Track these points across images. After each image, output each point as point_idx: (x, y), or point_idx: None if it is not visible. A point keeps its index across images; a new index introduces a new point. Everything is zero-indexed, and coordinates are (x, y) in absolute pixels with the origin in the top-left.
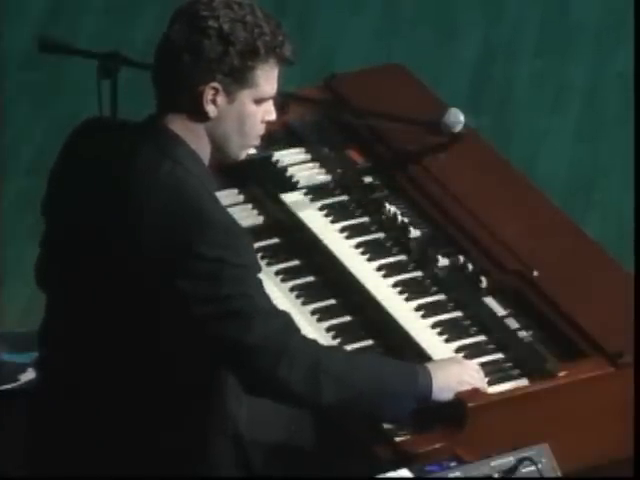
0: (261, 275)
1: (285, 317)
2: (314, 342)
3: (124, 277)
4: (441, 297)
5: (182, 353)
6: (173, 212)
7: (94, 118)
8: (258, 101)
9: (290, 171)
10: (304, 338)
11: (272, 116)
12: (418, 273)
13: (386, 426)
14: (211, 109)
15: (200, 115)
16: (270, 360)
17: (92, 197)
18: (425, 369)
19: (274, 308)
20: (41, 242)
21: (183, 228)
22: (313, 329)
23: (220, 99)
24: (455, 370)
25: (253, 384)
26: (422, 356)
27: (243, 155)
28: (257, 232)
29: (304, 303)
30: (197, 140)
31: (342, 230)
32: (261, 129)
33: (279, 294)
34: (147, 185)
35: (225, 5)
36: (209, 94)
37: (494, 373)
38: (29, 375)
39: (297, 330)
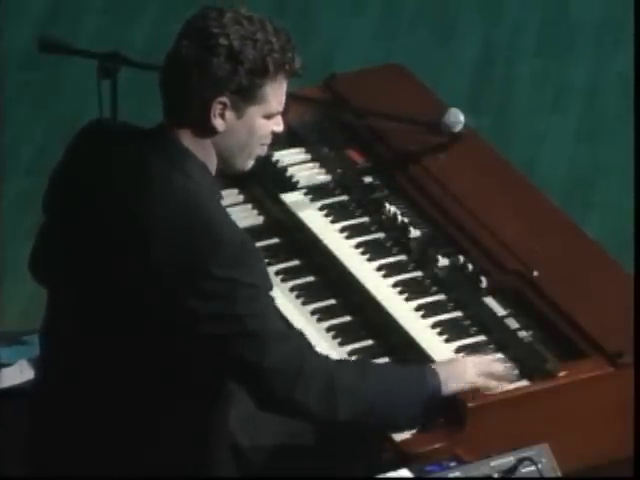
0: None
1: (298, 337)
2: (326, 359)
3: (130, 286)
4: (441, 297)
5: (184, 362)
6: (184, 229)
7: (99, 120)
8: (267, 116)
9: (290, 171)
10: (317, 357)
11: (280, 128)
12: (418, 273)
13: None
14: (219, 123)
15: (208, 129)
16: (287, 383)
17: (101, 205)
18: (430, 368)
19: (287, 328)
20: (39, 234)
21: (195, 247)
22: (313, 329)
23: (228, 114)
24: (460, 362)
25: (269, 404)
26: (422, 356)
27: (249, 166)
28: (257, 232)
29: (304, 303)
30: (205, 153)
31: (342, 230)
32: (268, 140)
33: (279, 294)
34: (158, 199)
35: (235, 21)
36: (217, 109)
37: None
38: (27, 375)
39: (310, 348)
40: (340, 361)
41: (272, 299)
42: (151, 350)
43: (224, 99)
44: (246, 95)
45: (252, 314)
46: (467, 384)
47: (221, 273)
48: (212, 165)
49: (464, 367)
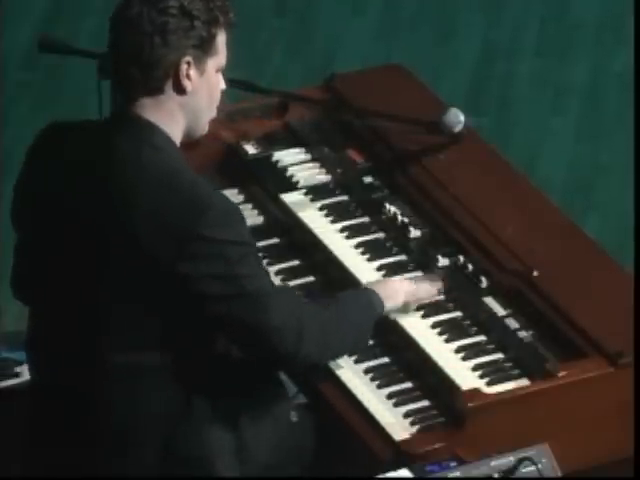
0: None
1: (290, 291)
2: (313, 307)
3: (125, 274)
4: (441, 297)
5: (183, 350)
6: (168, 198)
7: (57, 122)
8: (218, 70)
9: (290, 171)
10: (307, 307)
11: (224, 85)
12: (418, 273)
13: (386, 426)
14: (188, 84)
15: (177, 92)
16: (292, 338)
17: (78, 199)
18: (372, 291)
19: (278, 285)
20: (16, 254)
21: (181, 212)
22: None
23: (193, 72)
24: (392, 282)
25: (276, 362)
26: (422, 355)
27: (206, 130)
28: (257, 232)
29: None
30: (170, 123)
31: (342, 230)
32: (219, 100)
33: None
34: (134, 178)
35: None
36: (184, 69)
37: (494, 373)
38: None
39: (300, 299)
40: (318, 305)
41: (260, 257)
42: (151, 343)
43: (188, 58)
44: (205, 47)
45: (246, 274)
46: (401, 302)
47: (210, 233)
48: (177, 136)
49: (396, 287)
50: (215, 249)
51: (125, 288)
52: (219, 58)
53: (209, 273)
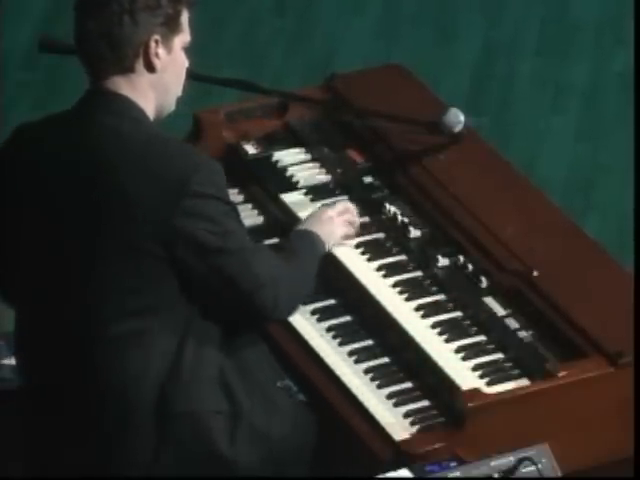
0: None
1: (267, 249)
2: (283, 264)
3: (123, 244)
4: (441, 297)
5: (177, 311)
6: (157, 164)
7: (24, 123)
8: (183, 47)
9: (290, 171)
10: (281, 264)
11: (187, 63)
12: (418, 273)
13: (386, 426)
14: (157, 62)
15: (147, 70)
16: (271, 295)
17: (64, 185)
18: (315, 234)
19: (256, 243)
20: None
21: (174, 174)
22: (313, 329)
23: (161, 51)
24: (327, 221)
25: (253, 317)
26: (422, 356)
27: (174, 107)
28: (257, 232)
29: (304, 303)
30: (143, 100)
31: None
32: (184, 77)
33: None
34: (117, 150)
35: None
36: (153, 47)
37: (494, 373)
38: None
39: (277, 257)
40: (283, 260)
41: (240, 216)
42: (148, 308)
43: (157, 36)
44: (172, 25)
45: (232, 230)
46: (338, 240)
47: (202, 190)
48: (150, 113)
49: (333, 225)
50: (206, 205)
51: (124, 257)
52: (184, 35)
53: (202, 227)
